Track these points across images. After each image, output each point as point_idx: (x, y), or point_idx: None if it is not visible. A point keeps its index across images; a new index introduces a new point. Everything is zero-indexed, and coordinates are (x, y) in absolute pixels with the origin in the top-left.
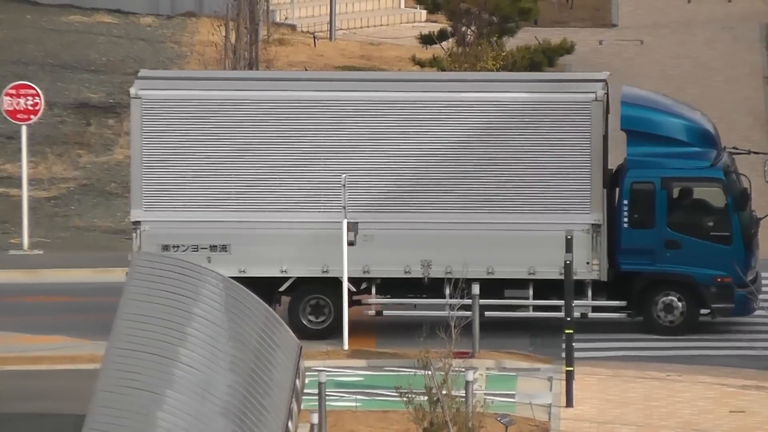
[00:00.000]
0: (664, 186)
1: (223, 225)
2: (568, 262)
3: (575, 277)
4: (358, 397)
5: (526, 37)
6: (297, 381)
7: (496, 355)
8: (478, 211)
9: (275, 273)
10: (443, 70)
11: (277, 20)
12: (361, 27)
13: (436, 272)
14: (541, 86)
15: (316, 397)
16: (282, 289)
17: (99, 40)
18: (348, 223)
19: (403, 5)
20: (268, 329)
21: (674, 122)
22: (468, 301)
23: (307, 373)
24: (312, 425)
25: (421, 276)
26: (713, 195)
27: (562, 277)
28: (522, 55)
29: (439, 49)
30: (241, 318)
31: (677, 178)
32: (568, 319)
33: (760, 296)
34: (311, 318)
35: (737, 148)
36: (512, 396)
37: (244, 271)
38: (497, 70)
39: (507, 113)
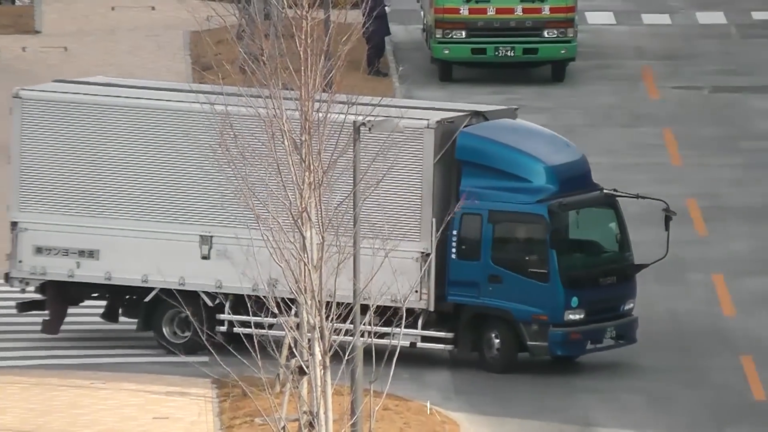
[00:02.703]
0: (491, 219)
1: (92, 231)
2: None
3: (407, 306)
4: None
5: None
6: None
7: None
8: None
9: (137, 282)
10: None
11: None
12: None
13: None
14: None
15: None
16: (147, 299)
17: None
18: (202, 236)
19: None
20: None
21: (508, 155)
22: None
23: None
24: None
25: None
26: (535, 231)
27: (393, 304)
28: None
29: None
30: None
31: (503, 212)
32: None
33: None
34: (177, 332)
35: (617, 190)
36: None
37: (109, 279)
38: None
39: None
